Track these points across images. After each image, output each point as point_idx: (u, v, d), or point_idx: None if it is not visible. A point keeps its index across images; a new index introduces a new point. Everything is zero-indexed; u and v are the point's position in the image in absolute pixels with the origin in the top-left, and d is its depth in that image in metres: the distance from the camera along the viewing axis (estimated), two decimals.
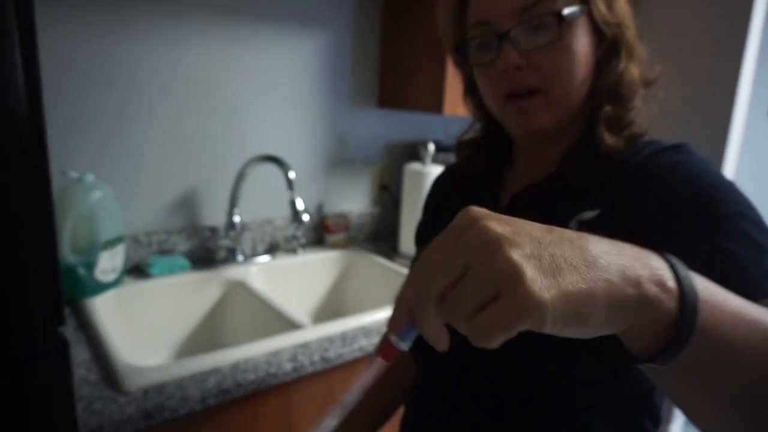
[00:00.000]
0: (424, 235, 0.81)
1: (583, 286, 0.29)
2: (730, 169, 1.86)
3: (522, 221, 0.31)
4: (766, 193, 3.07)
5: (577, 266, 0.29)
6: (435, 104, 1.46)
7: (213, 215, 1.43)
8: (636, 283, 0.30)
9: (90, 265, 1.12)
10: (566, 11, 0.54)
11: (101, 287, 1.15)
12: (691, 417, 0.37)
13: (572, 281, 0.29)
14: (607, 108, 0.60)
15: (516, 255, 0.28)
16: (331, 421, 0.35)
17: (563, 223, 0.56)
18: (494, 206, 0.66)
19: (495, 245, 0.29)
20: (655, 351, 0.32)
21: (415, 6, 1.51)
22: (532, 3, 0.55)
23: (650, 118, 0.63)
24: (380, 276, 1.52)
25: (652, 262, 0.32)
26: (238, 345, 0.98)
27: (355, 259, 1.60)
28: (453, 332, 0.32)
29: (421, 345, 0.33)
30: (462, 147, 0.75)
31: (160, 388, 0.85)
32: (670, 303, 0.31)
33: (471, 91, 0.70)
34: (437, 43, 1.43)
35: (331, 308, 1.56)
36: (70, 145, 1.18)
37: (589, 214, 0.57)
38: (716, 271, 0.38)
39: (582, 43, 0.57)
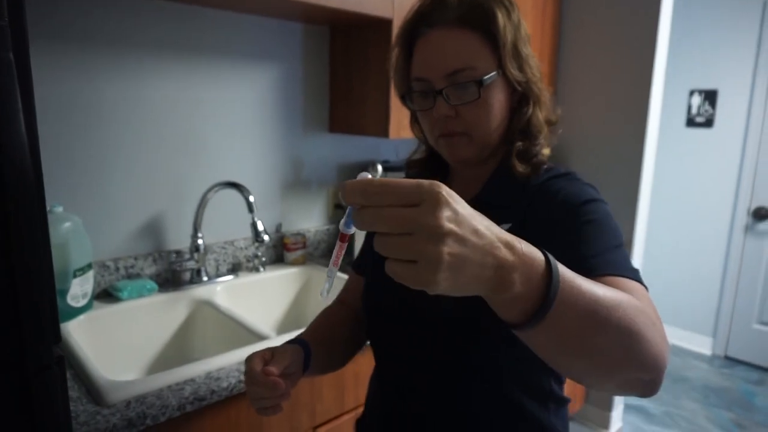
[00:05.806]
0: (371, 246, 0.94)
1: (471, 282, 0.41)
2: (647, 173, 2.10)
3: (470, 217, 0.42)
4: (684, 191, 3.39)
5: (476, 263, 0.41)
6: (381, 129, 1.60)
7: (178, 239, 1.51)
8: (508, 274, 0.43)
9: (63, 293, 1.18)
10: (485, 77, 0.71)
11: (73, 312, 1.21)
12: (557, 368, 0.51)
13: (465, 280, 0.41)
14: (519, 143, 0.77)
15: (446, 253, 0.39)
16: (326, 284, 0.48)
17: None
18: None
19: (438, 238, 0.39)
20: (525, 319, 0.46)
21: (357, 39, 1.65)
22: (460, 68, 0.71)
23: (551, 149, 0.81)
24: (337, 288, 1.63)
25: (534, 256, 0.45)
26: (209, 358, 1.07)
27: (313, 274, 1.70)
28: (397, 285, 0.43)
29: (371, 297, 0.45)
30: (411, 166, 0.92)
31: (141, 399, 0.93)
32: (541, 284, 0.44)
33: (416, 120, 0.86)
34: (381, 73, 1.57)
35: (293, 320, 1.66)
36: None
37: (504, 227, 0.72)
38: (573, 257, 0.54)
39: (498, 98, 0.74)
